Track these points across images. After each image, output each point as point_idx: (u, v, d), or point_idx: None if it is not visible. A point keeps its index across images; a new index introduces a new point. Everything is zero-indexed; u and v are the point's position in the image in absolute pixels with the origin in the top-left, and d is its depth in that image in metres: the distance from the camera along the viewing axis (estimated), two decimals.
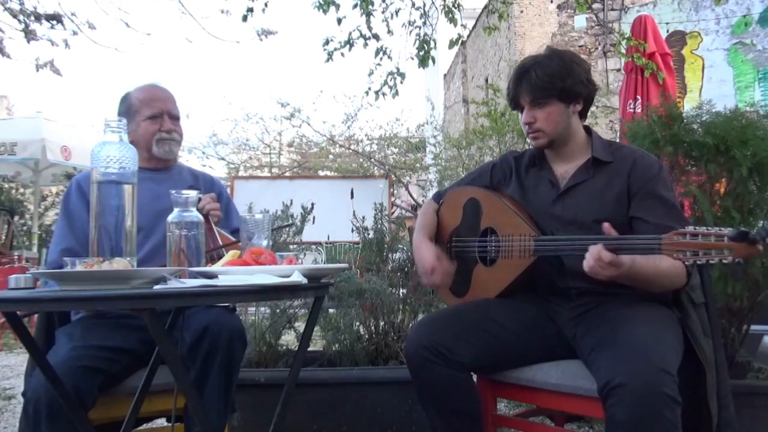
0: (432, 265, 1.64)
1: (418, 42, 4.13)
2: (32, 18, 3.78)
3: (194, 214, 1.35)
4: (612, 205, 1.55)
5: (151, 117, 1.80)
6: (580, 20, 9.23)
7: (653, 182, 1.52)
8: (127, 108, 1.81)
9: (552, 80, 1.57)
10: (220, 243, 1.61)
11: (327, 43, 3.99)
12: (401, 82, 4.18)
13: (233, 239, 1.65)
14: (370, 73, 4.22)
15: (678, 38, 7.14)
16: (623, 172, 1.56)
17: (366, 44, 4.02)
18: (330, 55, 3.99)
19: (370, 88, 4.27)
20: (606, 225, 1.39)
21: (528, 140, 1.69)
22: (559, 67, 1.58)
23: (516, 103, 1.65)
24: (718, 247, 1.20)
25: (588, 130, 1.68)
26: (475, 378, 1.64)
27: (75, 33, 3.87)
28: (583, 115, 1.67)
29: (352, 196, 3.74)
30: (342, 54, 4.01)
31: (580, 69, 1.60)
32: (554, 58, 1.60)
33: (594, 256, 1.35)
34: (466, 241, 1.75)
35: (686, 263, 1.27)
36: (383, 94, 4.23)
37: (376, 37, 4.01)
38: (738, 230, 1.17)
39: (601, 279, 1.37)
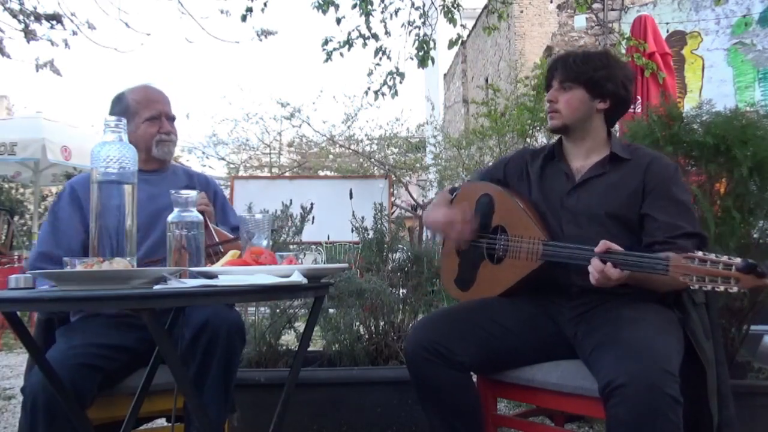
0: (448, 219, 1.67)
1: (417, 42, 4.13)
2: (32, 18, 3.77)
3: (194, 214, 1.35)
4: (625, 199, 1.55)
5: (149, 119, 1.80)
6: (580, 20, 9.22)
7: (668, 182, 1.54)
8: (124, 109, 1.80)
9: (584, 66, 1.61)
10: (217, 240, 1.61)
11: (326, 43, 3.99)
12: (400, 82, 4.19)
13: (231, 236, 1.65)
14: (370, 73, 4.23)
15: (678, 38, 7.14)
16: (640, 169, 1.57)
17: (365, 44, 4.02)
18: (329, 56, 3.99)
19: (369, 88, 4.28)
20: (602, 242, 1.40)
21: (546, 119, 1.71)
22: (599, 59, 1.63)
23: (549, 83, 1.69)
24: (725, 275, 1.20)
25: (609, 132, 1.69)
26: (475, 378, 1.64)
27: (75, 33, 3.86)
28: (610, 119, 1.67)
29: (351, 197, 3.74)
30: (341, 54, 4.01)
31: (620, 71, 1.63)
32: (600, 53, 1.67)
33: (598, 270, 1.36)
34: (476, 236, 1.75)
35: (691, 287, 1.28)
36: (382, 94, 4.24)
37: (375, 36, 4.01)
38: (747, 262, 1.18)
39: (604, 287, 1.39)
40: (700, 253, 1.25)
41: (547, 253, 1.54)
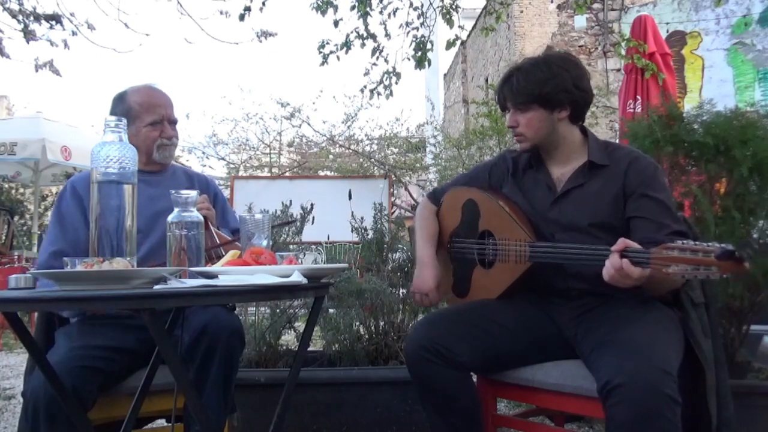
0: (429, 290, 1.67)
1: (414, 43, 4.13)
2: (32, 18, 3.77)
3: (194, 214, 1.35)
4: (608, 208, 1.54)
5: (152, 123, 1.78)
6: (580, 20, 9.23)
7: (647, 184, 1.52)
8: (126, 111, 1.77)
9: (531, 87, 1.57)
10: (218, 242, 1.61)
11: (323, 46, 3.98)
12: (396, 83, 4.19)
13: (230, 238, 1.65)
14: (366, 73, 4.24)
15: (678, 38, 7.15)
16: (619, 174, 1.55)
17: (363, 44, 4.02)
18: (325, 59, 3.98)
19: (365, 86, 4.28)
20: (621, 240, 1.36)
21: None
22: (542, 74, 1.57)
23: (503, 106, 1.67)
24: (705, 263, 1.19)
25: (584, 130, 1.67)
26: (475, 378, 1.64)
27: (74, 33, 3.86)
28: (576, 119, 1.63)
29: (350, 197, 3.74)
30: (337, 57, 4.01)
31: (568, 76, 1.58)
32: (540, 65, 1.59)
33: (617, 268, 1.31)
34: (465, 243, 1.75)
35: (674, 278, 1.27)
36: (378, 94, 4.24)
37: (372, 36, 4.01)
38: (724, 249, 1.16)
39: (621, 286, 1.35)
40: (679, 243, 1.24)
41: (534, 255, 1.54)
